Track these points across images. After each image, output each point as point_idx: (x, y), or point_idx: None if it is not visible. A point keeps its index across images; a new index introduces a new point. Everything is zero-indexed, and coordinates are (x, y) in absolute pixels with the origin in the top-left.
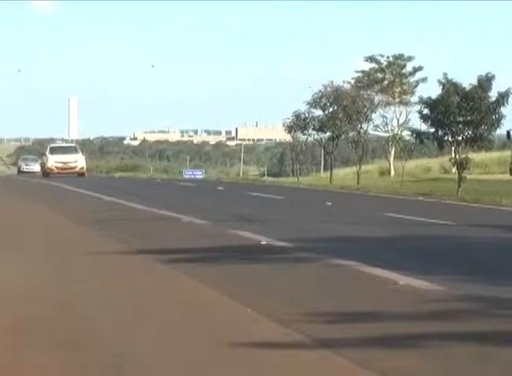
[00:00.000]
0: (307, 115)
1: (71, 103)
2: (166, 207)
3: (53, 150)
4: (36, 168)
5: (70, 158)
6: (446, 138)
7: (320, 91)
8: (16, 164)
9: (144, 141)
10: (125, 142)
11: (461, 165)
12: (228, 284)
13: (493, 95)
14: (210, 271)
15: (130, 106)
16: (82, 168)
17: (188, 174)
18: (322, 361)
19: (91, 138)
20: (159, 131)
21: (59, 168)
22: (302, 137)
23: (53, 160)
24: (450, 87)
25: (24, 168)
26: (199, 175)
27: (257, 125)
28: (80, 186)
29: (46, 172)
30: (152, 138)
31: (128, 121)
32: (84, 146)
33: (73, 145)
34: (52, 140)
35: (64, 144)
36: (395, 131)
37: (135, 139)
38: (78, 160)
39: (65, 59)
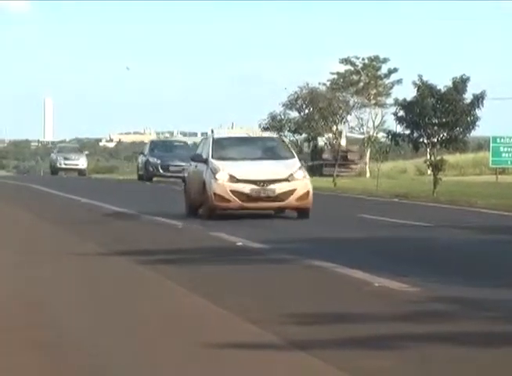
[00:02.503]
0: (282, 117)
1: (46, 104)
2: (141, 208)
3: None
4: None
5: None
6: (421, 139)
7: (296, 92)
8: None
9: (120, 142)
10: (101, 143)
11: (436, 167)
12: (203, 285)
13: (468, 97)
14: (185, 272)
15: (105, 107)
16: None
17: None
18: (295, 362)
19: (67, 139)
20: (134, 133)
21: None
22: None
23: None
24: (425, 89)
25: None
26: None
27: (232, 127)
28: (55, 187)
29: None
30: (128, 139)
31: (103, 122)
32: None
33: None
34: (28, 142)
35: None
36: (371, 133)
37: (110, 140)
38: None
39: (40, 60)
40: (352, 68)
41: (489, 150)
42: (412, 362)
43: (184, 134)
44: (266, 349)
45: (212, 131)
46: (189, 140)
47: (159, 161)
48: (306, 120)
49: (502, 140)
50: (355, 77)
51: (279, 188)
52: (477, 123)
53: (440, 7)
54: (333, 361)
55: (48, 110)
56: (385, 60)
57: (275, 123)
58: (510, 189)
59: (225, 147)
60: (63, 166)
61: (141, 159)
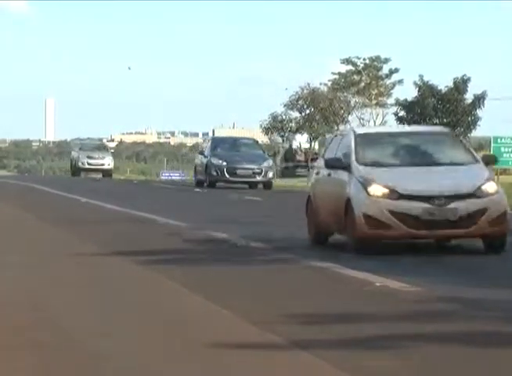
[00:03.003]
0: (284, 117)
1: (48, 104)
2: (142, 208)
3: None
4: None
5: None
6: None
7: (297, 93)
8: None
9: (121, 142)
10: None
11: None
12: (204, 285)
13: (469, 97)
14: (186, 272)
15: (107, 107)
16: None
17: (165, 175)
18: (297, 362)
19: (68, 139)
20: (136, 133)
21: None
22: (279, 139)
23: None
24: (426, 89)
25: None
26: (176, 176)
27: (234, 127)
28: (57, 187)
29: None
30: (129, 139)
31: (105, 122)
32: (61, 147)
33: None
34: (29, 141)
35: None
36: None
37: (112, 140)
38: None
39: (42, 60)
40: (353, 68)
41: (490, 151)
42: (413, 361)
43: (185, 134)
44: (267, 349)
45: (213, 132)
46: (190, 141)
47: (224, 163)
48: (307, 120)
49: (503, 140)
50: (356, 78)
51: (463, 207)
52: (478, 123)
53: (441, 7)
54: (334, 361)
55: (49, 109)
56: (386, 60)
57: (277, 123)
58: (511, 190)
59: (375, 146)
60: (87, 166)
61: (200, 160)
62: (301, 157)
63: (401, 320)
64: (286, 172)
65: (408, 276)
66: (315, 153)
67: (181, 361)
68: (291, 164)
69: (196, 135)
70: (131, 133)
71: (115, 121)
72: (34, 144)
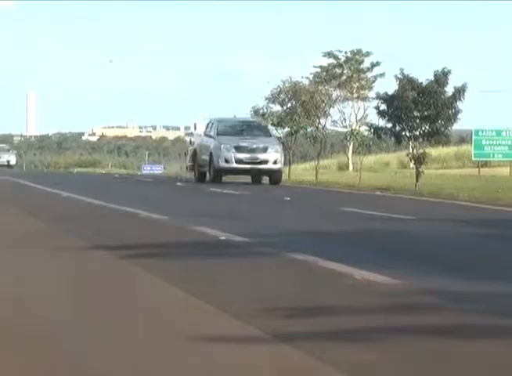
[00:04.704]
0: (265, 110)
1: (29, 98)
2: (123, 202)
3: None
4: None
5: None
6: (404, 133)
7: (278, 86)
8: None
9: (103, 136)
10: (84, 137)
11: (418, 160)
12: (186, 279)
13: (449, 90)
14: (168, 266)
15: (88, 101)
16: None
17: (146, 169)
18: (279, 355)
19: (50, 133)
20: (117, 127)
21: None
22: None
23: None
24: (406, 82)
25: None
26: (158, 170)
27: None
28: (36, 181)
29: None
30: (110, 133)
31: (86, 116)
32: (43, 141)
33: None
34: (11, 136)
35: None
36: (353, 127)
37: (93, 134)
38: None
39: (22, 53)
40: (335, 61)
41: (471, 144)
42: (395, 354)
43: (167, 128)
44: (249, 342)
45: (195, 126)
46: (172, 134)
47: (232, 150)
48: (289, 113)
49: (484, 133)
50: (337, 71)
51: None
52: (459, 116)
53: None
54: (316, 354)
55: (30, 103)
56: (368, 54)
57: (258, 117)
58: (492, 183)
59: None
60: (234, 165)
61: (202, 146)
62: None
63: (381, 313)
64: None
65: (388, 268)
66: None
67: (161, 355)
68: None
69: (178, 128)
70: (112, 127)
71: (96, 115)
72: (15, 138)
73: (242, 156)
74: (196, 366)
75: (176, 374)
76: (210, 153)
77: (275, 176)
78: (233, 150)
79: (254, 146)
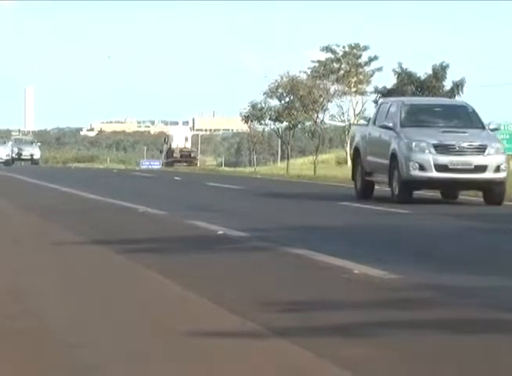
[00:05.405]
0: (263, 105)
1: (28, 93)
2: (120, 197)
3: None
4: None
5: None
6: None
7: (276, 81)
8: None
9: (101, 132)
10: (82, 132)
11: None
12: (183, 274)
13: (448, 84)
14: (165, 261)
15: (87, 96)
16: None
17: (145, 164)
18: (275, 349)
19: (48, 128)
20: (116, 122)
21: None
22: (259, 127)
23: None
24: (404, 76)
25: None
26: (156, 165)
27: (214, 115)
28: (35, 176)
29: None
30: (109, 128)
31: (84, 111)
32: (41, 136)
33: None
34: (9, 131)
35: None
36: (352, 121)
37: (91, 129)
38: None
39: (21, 48)
40: (333, 56)
41: None
42: (393, 349)
43: (165, 123)
44: (246, 337)
45: (193, 121)
46: (170, 129)
47: (430, 150)
48: (287, 108)
49: None
50: (335, 65)
51: None
52: None
53: None
54: (312, 348)
55: (29, 99)
56: (366, 48)
57: (256, 111)
58: None
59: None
60: (434, 174)
61: (368, 144)
62: (177, 155)
63: (379, 308)
64: (167, 165)
65: (387, 263)
66: (189, 151)
67: (158, 350)
68: (171, 159)
69: (176, 123)
70: (110, 122)
71: (95, 110)
72: (13, 133)
73: (447, 159)
74: (193, 360)
75: (173, 368)
76: (392, 154)
77: (495, 191)
78: (432, 151)
79: (465, 145)
